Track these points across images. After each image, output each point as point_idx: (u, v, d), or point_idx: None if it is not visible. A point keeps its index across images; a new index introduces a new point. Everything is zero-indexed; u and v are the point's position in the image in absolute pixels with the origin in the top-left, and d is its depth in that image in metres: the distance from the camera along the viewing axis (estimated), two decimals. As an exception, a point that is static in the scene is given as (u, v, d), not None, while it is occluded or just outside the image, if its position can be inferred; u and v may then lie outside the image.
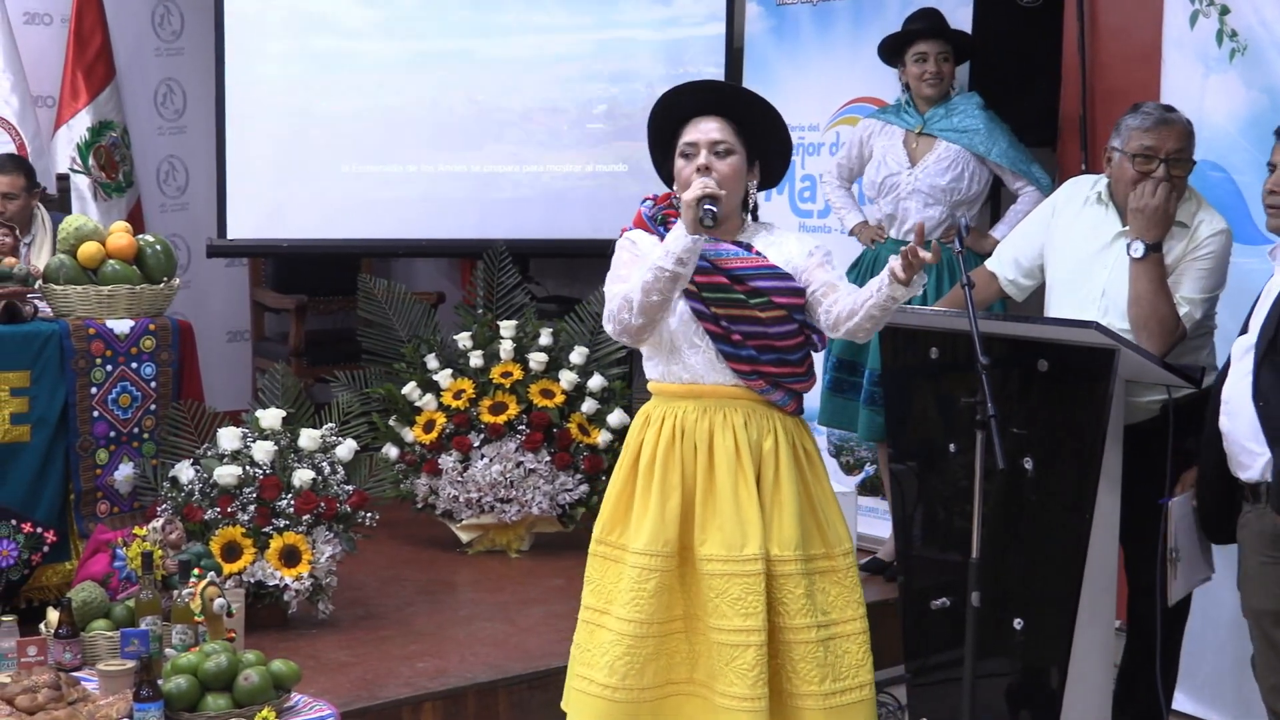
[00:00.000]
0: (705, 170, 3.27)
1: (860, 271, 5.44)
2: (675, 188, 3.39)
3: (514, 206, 6.73)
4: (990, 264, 4.32)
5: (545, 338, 5.70)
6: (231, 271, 7.56)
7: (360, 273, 6.73)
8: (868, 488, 5.83)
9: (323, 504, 4.66)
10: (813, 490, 3.36)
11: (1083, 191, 4.12)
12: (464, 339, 5.75)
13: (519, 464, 5.57)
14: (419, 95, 6.74)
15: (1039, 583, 3.72)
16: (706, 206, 3.18)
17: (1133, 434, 3.78)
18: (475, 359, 5.66)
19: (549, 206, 6.57)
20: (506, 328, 5.70)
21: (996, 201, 5.53)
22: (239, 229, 6.56)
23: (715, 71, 6.77)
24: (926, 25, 5.31)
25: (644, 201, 3.45)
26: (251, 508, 4.59)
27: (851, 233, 5.54)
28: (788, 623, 3.26)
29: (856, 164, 5.53)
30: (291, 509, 4.61)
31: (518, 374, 5.61)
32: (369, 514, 4.80)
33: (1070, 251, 4.07)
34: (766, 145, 3.40)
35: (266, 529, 4.59)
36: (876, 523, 5.66)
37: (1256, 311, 3.46)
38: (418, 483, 5.64)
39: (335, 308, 7.38)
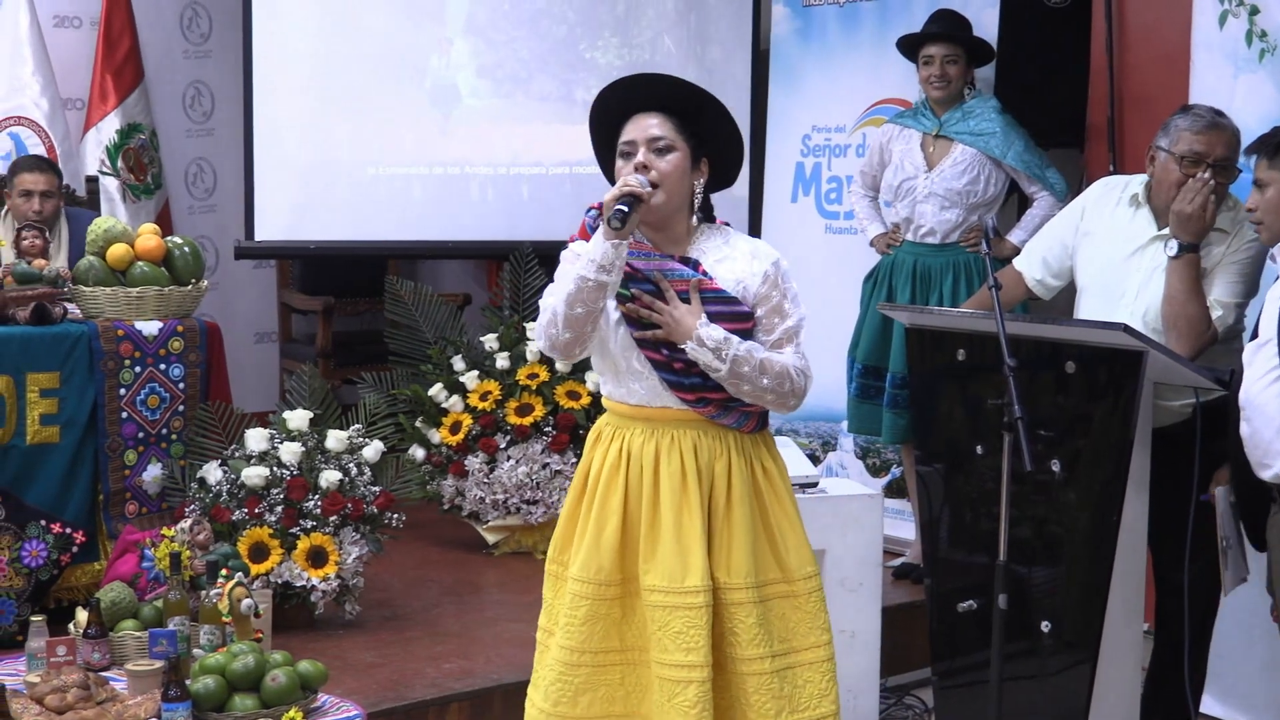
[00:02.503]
0: (642, 169, 3.08)
1: (876, 280, 5.44)
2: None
3: (540, 208, 6.74)
4: (1018, 263, 4.30)
5: (571, 339, 5.70)
6: (259, 273, 7.58)
7: (387, 274, 6.75)
8: (894, 490, 5.82)
9: (349, 505, 4.67)
10: (770, 512, 3.17)
11: (1114, 193, 4.10)
12: (490, 340, 5.75)
13: (545, 465, 5.58)
14: (445, 96, 6.76)
15: (1067, 585, 3.70)
16: (616, 207, 3.00)
17: (1161, 437, 3.76)
18: (501, 360, 5.66)
19: (575, 208, 6.53)
20: (533, 329, 5.69)
21: (1024, 203, 5.51)
22: (267, 231, 6.58)
23: (742, 74, 6.78)
24: (935, 28, 5.32)
25: (588, 210, 3.24)
26: (279, 509, 4.60)
27: (871, 243, 5.54)
28: (739, 653, 3.09)
29: (878, 169, 5.53)
30: (318, 510, 4.62)
31: (544, 375, 5.61)
32: (395, 515, 4.81)
33: (1101, 253, 4.05)
34: (716, 141, 3.18)
35: (294, 530, 4.60)
36: (903, 525, 5.64)
37: (1265, 314, 3.45)
38: (444, 484, 5.65)
39: (362, 309, 7.39)
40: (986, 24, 5.51)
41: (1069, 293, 4.24)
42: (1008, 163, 5.24)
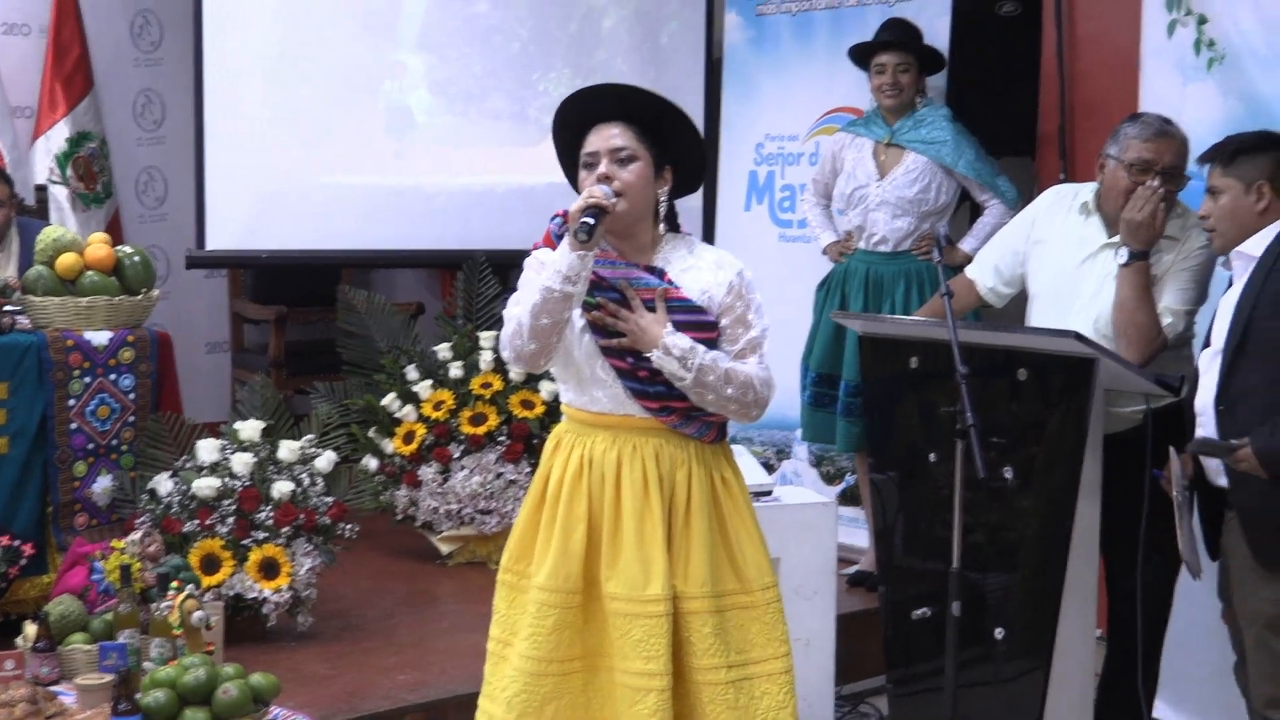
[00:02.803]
0: (605, 179, 3.09)
1: (829, 289, 5.46)
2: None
3: (494, 216, 6.73)
4: (970, 271, 4.32)
5: (525, 348, 5.69)
6: (211, 282, 7.52)
7: (340, 283, 6.69)
8: (848, 498, 5.83)
9: (302, 516, 4.64)
10: (729, 523, 3.18)
11: (1065, 201, 4.12)
12: (444, 350, 5.73)
13: (499, 475, 5.56)
14: (398, 105, 6.74)
15: (1020, 592, 3.71)
16: (582, 219, 3.00)
17: (1113, 443, 3.78)
18: (455, 370, 5.64)
19: (529, 217, 6.55)
20: (486, 338, 5.68)
21: (976, 211, 5.54)
22: (218, 240, 6.54)
23: (695, 83, 6.79)
24: (887, 36, 5.35)
25: (553, 218, 3.24)
26: (230, 520, 4.57)
27: (824, 252, 5.56)
28: (695, 663, 3.09)
29: (830, 178, 5.55)
30: (271, 521, 4.59)
31: (498, 385, 5.59)
32: (349, 526, 4.78)
33: (1052, 261, 4.07)
34: (678, 149, 3.20)
35: (246, 541, 4.57)
36: (857, 533, 5.66)
37: (1217, 322, 3.48)
38: (398, 494, 5.62)
39: (315, 319, 7.34)
40: (938, 33, 5.54)
41: (1021, 300, 4.26)
42: (959, 171, 5.27)
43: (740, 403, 3.13)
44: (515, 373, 5.59)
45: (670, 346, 3.06)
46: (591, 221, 3.01)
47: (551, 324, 3.05)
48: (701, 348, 3.09)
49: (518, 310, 3.10)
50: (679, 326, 3.10)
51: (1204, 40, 4.53)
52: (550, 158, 3.30)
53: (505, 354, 3.14)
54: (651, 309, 3.11)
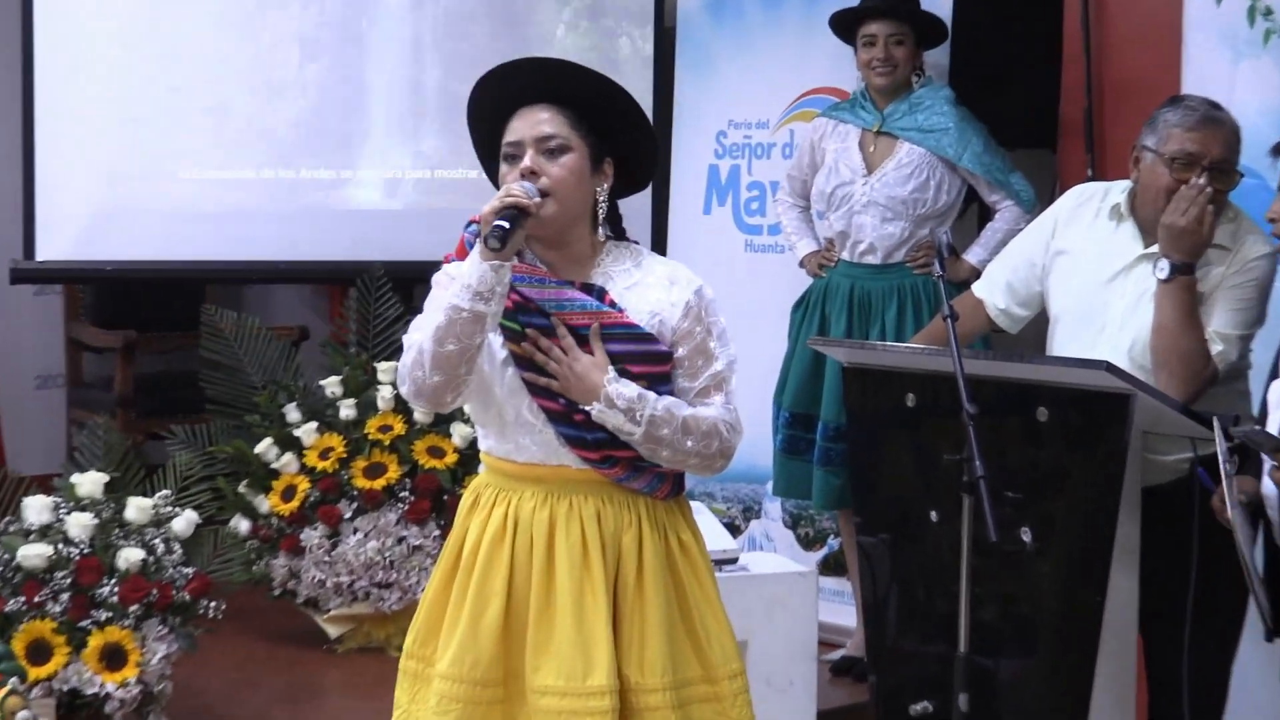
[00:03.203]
0: (530, 175, 3.09)
1: (807, 309, 5.47)
2: None
3: (395, 221, 6.71)
4: (977, 289, 4.34)
5: (433, 383, 5.68)
6: (41, 301, 7.47)
7: (203, 303, 6.67)
8: (830, 566, 5.83)
9: (155, 591, 4.60)
10: (689, 595, 3.17)
11: (1093, 203, 4.14)
12: (332, 385, 5.71)
13: (401, 540, 5.54)
14: (275, 86, 6.72)
15: (1041, 682, 3.72)
16: (496, 222, 2.98)
17: (1152, 498, 3.79)
18: (346, 409, 5.62)
19: (438, 221, 6.55)
20: (385, 370, 5.67)
21: (984, 215, 5.57)
22: (51, 249, 6.50)
23: (642, 58, 6.80)
24: (877, 1, 5.37)
25: (468, 225, 3.26)
26: (65, 596, 4.52)
27: (802, 264, 5.57)
28: None
29: (809, 173, 5.56)
30: (115, 598, 4.55)
31: (399, 428, 5.58)
32: (213, 603, 4.74)
33: (1077, 276, 4.09)
34: (621, 138, 3.20)
35: (84, 623, 4.52)
36: (842, 609, 5.66)
37: None
38: (274, 563, 5.59)
39: (172, 346, 7.29)
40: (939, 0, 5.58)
41: (1039, 324, 4.28)
42: (963, 165, 5.29)
43: (702, 455, 3.14)
44: (421, 413, 5.57)
45: (613, 396, 3.06)
46: (506, 225, 2.99)
47: (459, 351, 3.02)
48: (652, 395, 3.08)
49: (419, 335, 3.08)
50: (624, 358, 3.10)
51: (1259, 8, 4.58)
52: (463, 153, 3.29)
53: (404, 389, 3.12)
54: (586, 340, 3.10)
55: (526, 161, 3.10)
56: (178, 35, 6.61)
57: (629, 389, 3.07)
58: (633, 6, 6.89)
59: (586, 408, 3.08)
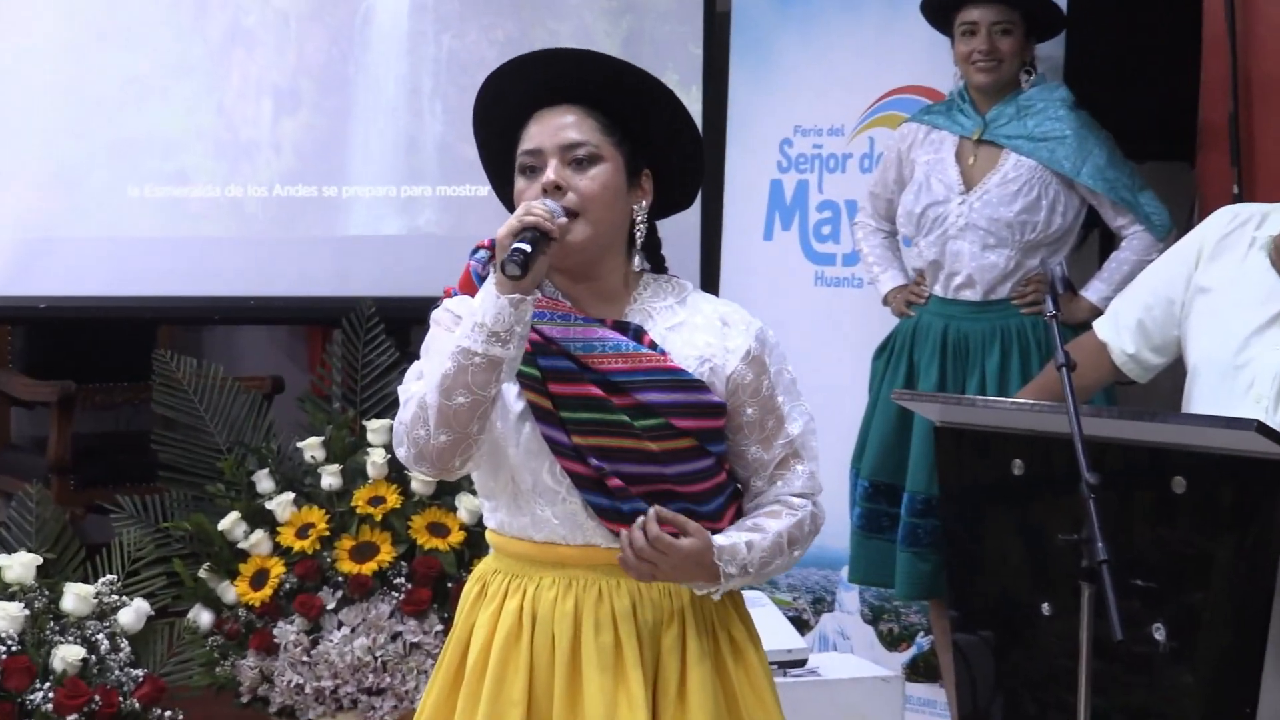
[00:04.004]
0: (554, 190, 3.08)
1: (891, 356, 5.48)
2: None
3: (389, 251, 6.73)
4: (1100, 331, 4.34)
5: (435, 445, 5.70)
6: (-39, 347, 7.53)
7: (156, 348, 6.70)
8: (919, 669, 5.83)
9: (97, 697, 4.62)
10: (743, 707, 3.17)
11: (1246, 231, 4.14)
12: (312, 447, 5.73)
13: (396, 636, 5.54)
14: (245, 88, 6.76)
15: (1178, 811, 3.72)
16: (515, 246, 2.96)
17: (1315, 587, 3.80)
18: (329, 477, 5.63)
19: (442, 249, 6.59)
20: (376, 430, 5.69)
21: (1107, 242, 5.57)
22: (-28, 282, 6.56)
23: (690, 50, 6.83)
24: None
25: (475, 252, 3.27)
26: (-11, 704, 4.55)
27: (885, 300, 5.58)
28: None
29: (895, 190, 5.57)
30: (50, 705, 4.57)
31: (393, 500, 5.59)
32: (168, 713, 4.76)
33: (1223, 318, 4.09)
34: (662, 146, 3.21)
35: (12, 736, 4.56)
36: (934, 721, 5.67)
37: None
38: (242, 664, 5.60)
39: (118, 400, 7.34)
40: (1051, -17, 5.60)
41: (1175, 375, 4.28)
42: (1082, 182, 5.30)
43: (792, 560, 3.19)
44: (420, 481, 5.59)
45: (731, 571, 3.07)
46: (528, 249, 2.96)
47: (470, 405, 2.99)
48: (756, 538, 3.09)
49: (420, 386, 3.07)
50: (665, 410, 3.09)
51: None
52: (471, 168, 3.28)
53: (401, 452, 3.11)
54: (614, 385, 3.09)
55: (549, 174, 3.09)
56: (130, 35, 6.66)
57: (738, 548, 3.07)
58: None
59: (704, 593, 3.11)
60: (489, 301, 2.98)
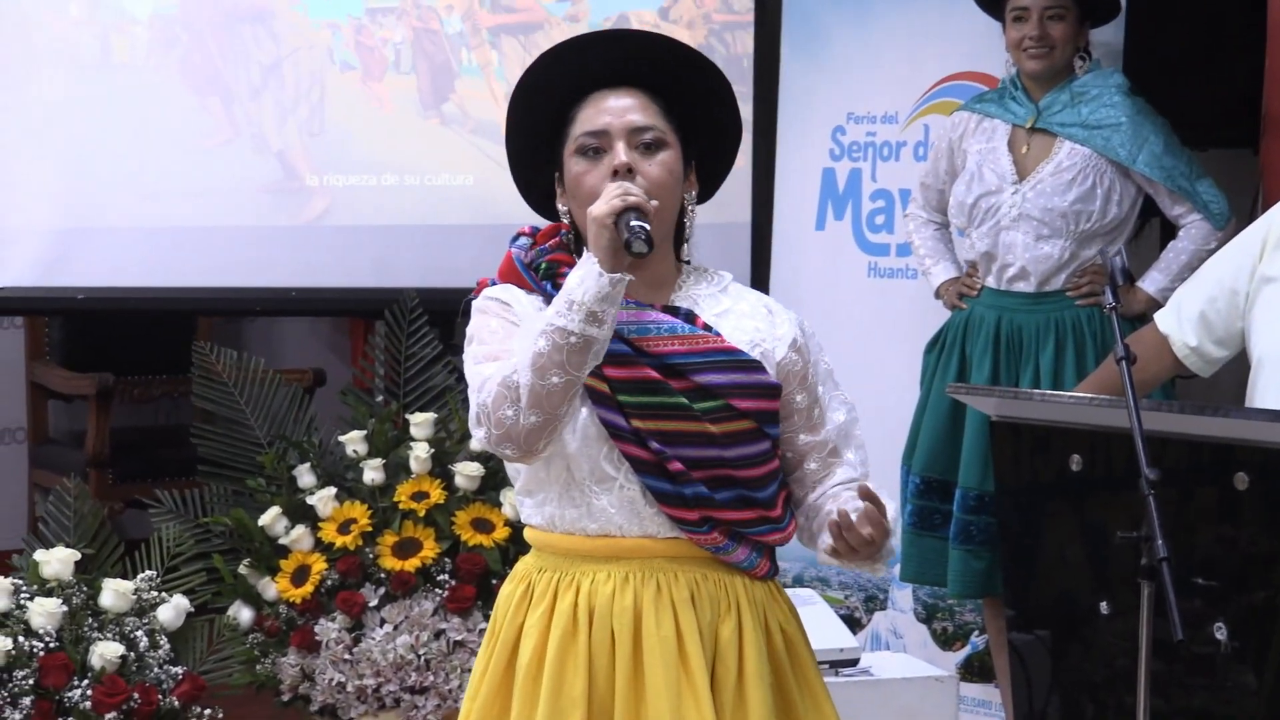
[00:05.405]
0: (626, 173, 3.08)
1: (944, 349, 5.46)
2: (566, 210, 3.19)
3: (434, 240, 6.74)
4: (1161, 323, 4.32)
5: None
6: (-1, 338, 7.57)
7: (195, 340, 6.72)
8: (974, 669, 5.81)
9: (136, 695, 4.63)
10: (796, 698, 3.18)
11: (1312, 221, 4.13)
12: (354, 441, 5.74)
13: (439, 634, 5.55)
14: (285, 71, 6.77)
15: (1240, 816, 3.70)
16: (635, 223, 2.96)
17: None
18: (371, 472, 5.64)
19: (485, 241, 6.57)
20: (420, 424, 5.69)
21: (1166, 232, 5.55)
22: (8, 273, 6.58)
23: (738, 34, 6.82)
24: None
25: (516, 240, 3.25)
26: (26, 701, 4.56)
27: (938, 293, 5.57)
28: None
29: (947, 180, 5.56)
30: (88, 703, 4.59)
31: (437, 495, 5.59)
32: (208, 711, 4.78)
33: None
34: (711, 139, 3.26)
35: (49, 734, 4.57)
36: (988, 723, 5.65)
37: None
38: (283, 662, 5.61)
39: (157, 394, 7.36)
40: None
41: (1237, 368, 4.26)
42: (1139, 170, 5.28)
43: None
44: (464, 476, 5.58)
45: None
46: (647, 227, 2.97)
47: (564, 385, 2.98)
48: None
49: (495, 368, 3.07)
50: (724, 392, 3.10)
51: None
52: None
53: (480, 433, 3.08)
54: (672, 368, 3.10)
55: (622, 157, 3.09)
56: (165, 11, 6.67)
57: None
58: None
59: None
60: (590, 280, 2.96)
